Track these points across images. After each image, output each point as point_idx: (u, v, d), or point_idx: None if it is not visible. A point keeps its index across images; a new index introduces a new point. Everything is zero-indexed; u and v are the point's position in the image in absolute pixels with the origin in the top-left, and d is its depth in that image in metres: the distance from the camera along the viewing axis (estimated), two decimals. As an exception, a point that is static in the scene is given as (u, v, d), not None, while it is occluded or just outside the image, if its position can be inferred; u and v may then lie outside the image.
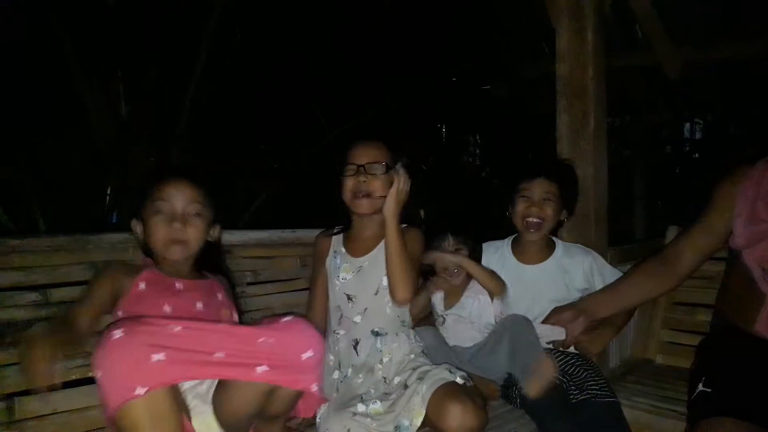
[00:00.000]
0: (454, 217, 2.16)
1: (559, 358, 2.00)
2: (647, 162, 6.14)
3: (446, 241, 2.01)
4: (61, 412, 1.43)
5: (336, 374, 1.87)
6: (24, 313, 1.45)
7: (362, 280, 1.90)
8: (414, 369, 1.78)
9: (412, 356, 1.86)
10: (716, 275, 2.04)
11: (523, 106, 5.94)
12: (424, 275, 2.04)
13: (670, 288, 1.99)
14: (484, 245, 2.15)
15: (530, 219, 2.09)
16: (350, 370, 1.85)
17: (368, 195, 1.85)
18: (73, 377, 1.47)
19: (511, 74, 5.57)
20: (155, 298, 1.55)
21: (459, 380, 1.69)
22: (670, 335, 2.47)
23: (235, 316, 1.72)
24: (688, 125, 7.33)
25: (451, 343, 2.05)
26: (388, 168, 1.86)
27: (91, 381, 1.47)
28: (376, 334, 1.86)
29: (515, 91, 5.86)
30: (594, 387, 1.92)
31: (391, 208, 1.76)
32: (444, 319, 2.07)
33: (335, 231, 2.00)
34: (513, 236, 2.24)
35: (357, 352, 1.86)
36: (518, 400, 1.91)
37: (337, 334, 1.90)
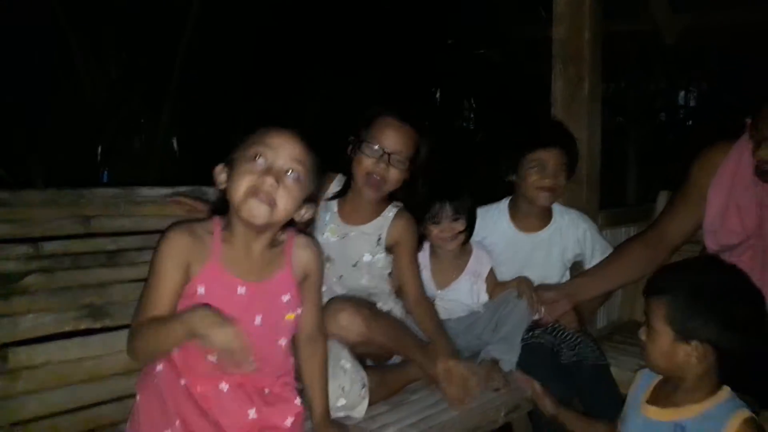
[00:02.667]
0: (451, 184, 2.10)
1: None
2: (641, 129, 6.13)
3: (444, 211, 1.98)
4: (55, 362, 1.45)
5: None
6: (16, 266, 1.45)
7: (345, 248, 1.86)
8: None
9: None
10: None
11: (518, 71, 5.90)
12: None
13: (652, 269, 1.99)
14: (479, 210, 2.10)
15: (545, 190, 2.04)
16: None
17: (380, 182, 1.77)
18: (66, 329, 1.48)
19: (508, 38, 5.52)
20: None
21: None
22: (657, 299, 2.50)
23: (299, 307, 1.43)
24: (683, 93, 7.30)
25: (442, 317, 2.04)
26: (411, 162, 1.80)
27: (84, 333, 1.49)
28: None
29: (511, 55, 5.81)
30: (585, 349, 1.96)
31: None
32: (434, 299, 2.05)
33: (330, 196, 1.91)
34: (508, 199, 2.21)
35: None
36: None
37: None
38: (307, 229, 1.57)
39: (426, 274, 2.05)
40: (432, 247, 2.06)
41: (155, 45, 4.12)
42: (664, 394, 1.43)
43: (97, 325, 1.50)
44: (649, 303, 1.40)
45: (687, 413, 1.37)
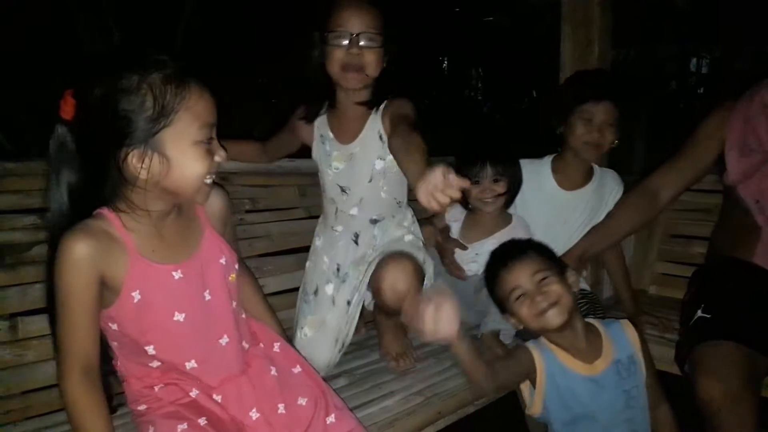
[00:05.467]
0: (491, 143, 2.04)
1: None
2: (651, 97, 6.05)
3: (485, 171, 1.94)
4: (64, 332, 1.46)
5: (330, 288, 1.79)
6: (23, 236, 1.45)
7: (355, 168, 1.76)
8: (384, 249, 1.73)
9: (404, 238, 1.79)
10: (713, 208, 2.06)
11: (527, 37, 5.80)
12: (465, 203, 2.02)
13: (651, 218, 2.05)
14: (521, 162, 2.06)
15: (590, 145, 1.99)
16: (349, 268, 1.78)
17: (359, 70, 1.64)
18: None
19: (516, 3, 5.42)
20: (159, 308, 1.15)
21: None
22: (665, 267, 2.51)
23: (236, 263, 1.32)
24: (694, 60, 7.18)
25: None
26: (384, 40, 1.64)
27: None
28: (374, 222, 1.79)
29: (520, 20, 5.71)
30: (591, 317, 1.96)
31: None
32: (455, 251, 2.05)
33: (320, 111, 1.80)
34: (552, 156, 2.16)
35: (357, 244, 1.79)
36: (514, 330, 1.96)
37: (335, 231, 1.82)
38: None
39: (455, 227, 2.05)
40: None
41: (157, 15, 4.07)
42: (579, 345, 1.47)
43: (105, 295, 1.50)
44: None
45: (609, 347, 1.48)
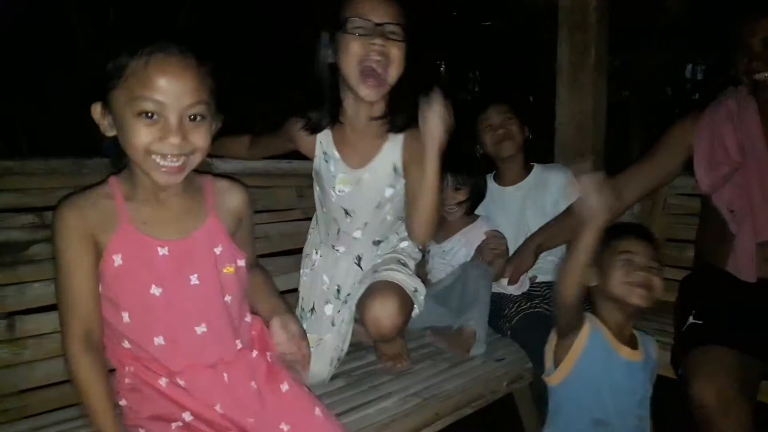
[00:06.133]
0: (454, 154, 2.14)
1: (545, 290, 2.10)
2: (646, 103, 6.08)
3: (445, 180, 2.04)
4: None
5: (329, 308, 1.76)
6: (21, 235, 1.45)
7: (363, 193, 1.65)
8: (377, 269, 1.72)
9: (400, 245, 1.79)
10: (708, 212, 2.06)
11: (525, 41, 5.83)
12: None
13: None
14: None
15: (501, 141, 2.16)
16: (352, 289, 1.74)
17: (383, 67, 1.43)
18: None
19: (513, 6, 5.44)
20: (137, 277, 1.15)
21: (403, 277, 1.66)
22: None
23: (239, 259, 1.27)
24: (690, 66, 7.21)
25: (437, 275, 2.13)
26: (405, 36, 1.45)
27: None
28: (377, 243, 1.77)
29: (517, 24, 5.74)
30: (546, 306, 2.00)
31: (435, 132, 1.34)
32: (429, 250, 2.14)
33: (324, 124, 1.63)
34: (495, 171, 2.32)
35: (361, 267, 1.76)
36: (508, 331, 1.97)
37: (337, 250, 1.77)
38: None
39: None
40: None
41: (155, 13, 4.07)
42: (624, 333, 1.54)
43: (102, 294, 1.50)
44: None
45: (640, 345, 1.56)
